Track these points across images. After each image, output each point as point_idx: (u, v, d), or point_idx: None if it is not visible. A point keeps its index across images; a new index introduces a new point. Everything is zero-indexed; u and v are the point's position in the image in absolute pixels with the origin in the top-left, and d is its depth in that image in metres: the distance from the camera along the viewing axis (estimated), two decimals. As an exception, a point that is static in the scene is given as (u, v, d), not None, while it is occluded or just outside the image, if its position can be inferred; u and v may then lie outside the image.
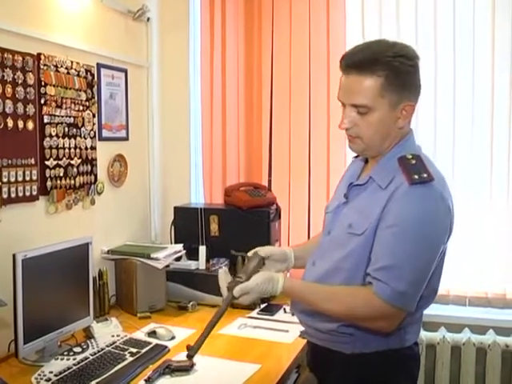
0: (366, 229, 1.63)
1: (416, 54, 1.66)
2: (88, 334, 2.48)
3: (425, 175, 1.58)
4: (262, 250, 1.86)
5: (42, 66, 2.45)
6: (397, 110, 1.63)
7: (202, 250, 3.08)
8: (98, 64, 2.87)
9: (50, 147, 2.52)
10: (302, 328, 1.88)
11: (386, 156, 1.70)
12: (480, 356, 2.99)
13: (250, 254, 1.85)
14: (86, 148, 2.77)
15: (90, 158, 2.79)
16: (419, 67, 1.66)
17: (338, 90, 1.70)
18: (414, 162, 1.63)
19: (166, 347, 2.34)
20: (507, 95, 2.93)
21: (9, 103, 2.28)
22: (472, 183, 3.01)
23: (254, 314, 2.80)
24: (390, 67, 1.59)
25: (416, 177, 1.58)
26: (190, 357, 1.67)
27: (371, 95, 1.60)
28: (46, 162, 2.50)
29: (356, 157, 1.89)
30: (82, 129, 2.73)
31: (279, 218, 3.18)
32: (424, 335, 3.03)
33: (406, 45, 1.67)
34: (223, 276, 1.75)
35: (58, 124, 2.56)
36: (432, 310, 2.91)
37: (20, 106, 2.34)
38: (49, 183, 2.52)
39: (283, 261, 1.92)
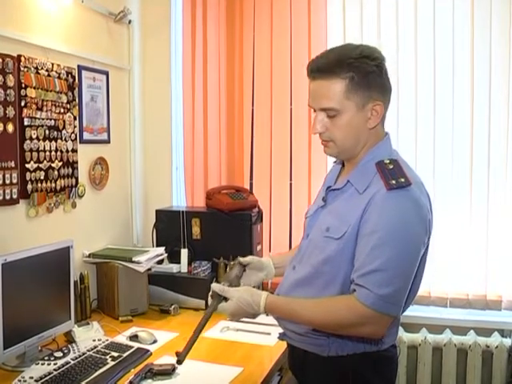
0: (344, 233, 1.64)
1: (381, 54, 1.67)
2: (69, 338, 2.46)
3: (402, 180, 1.59)
4: (243, 259, 1.96)
5: (22, 68, 2.43)
6: (365, 111, 1.65)
7: (184, 253, 3.07)
8: (78, 66, 2.85)
9: (31, 150, 2.49)
10: (282, 330, 1.89)
11: (363, 159, 1.71)
12: (461, 357, 3.02)
13: (232, 262, 1.96)
14: (67, 151, 2.74)
15: (71, 160, 2.77)
16: (385, 67, 1.67)
17: (308, 97, 1.72)
18: (391, 166, 1.64)
19: (148, 351, 2.33)
20: (486, 101, 2.96)
21: (-12, 106, 2.26)
22: (452, 186, 3.04)
23: (236, 316, 2.79)
24: (354, 69, 1.60)
25: (394, 182, 1.59)
26: (179, 362, 1.72)
27: (337, 98, 1.62)
28: (27, 165, 2.47)
29: (336, 161, 1.91)
30: (63, 131, 2.71)
31: (261, 220, 3.18)
32: (405, 336, 3.06)
33: (371, 46, 1.68)
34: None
35: (38, 126, 2.53)
36: (413, 312, 2.96)
37: (0, 108, 2.31)
38: (29, 186, 2.49)
39: (261, 269, 1.98)
